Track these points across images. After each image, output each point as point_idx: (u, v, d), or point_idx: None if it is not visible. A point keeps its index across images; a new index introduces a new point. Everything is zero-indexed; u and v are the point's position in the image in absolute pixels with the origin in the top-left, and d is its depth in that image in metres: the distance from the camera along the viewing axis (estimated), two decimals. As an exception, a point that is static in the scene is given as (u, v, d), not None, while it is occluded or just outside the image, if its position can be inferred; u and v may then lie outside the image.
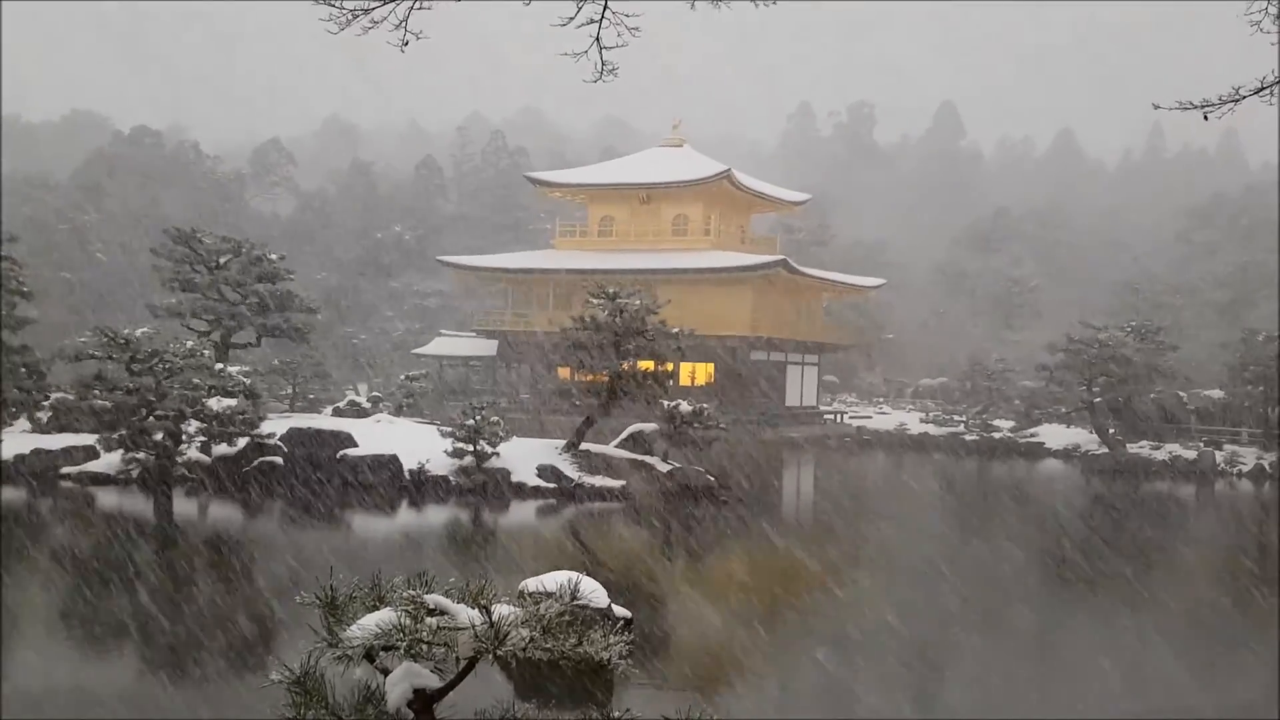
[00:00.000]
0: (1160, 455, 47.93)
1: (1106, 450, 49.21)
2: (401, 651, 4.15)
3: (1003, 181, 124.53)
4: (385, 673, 4.24)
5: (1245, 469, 46.13)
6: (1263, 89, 6.16)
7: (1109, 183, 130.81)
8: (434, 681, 4.23)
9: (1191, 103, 6.39)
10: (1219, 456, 47.15)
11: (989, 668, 16.12)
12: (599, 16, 5.98)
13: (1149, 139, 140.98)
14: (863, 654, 16.30)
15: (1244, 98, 6.24)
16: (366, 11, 5.84)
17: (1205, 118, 6.42)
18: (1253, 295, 74.80)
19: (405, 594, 4.22)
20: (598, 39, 6.09)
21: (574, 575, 5.17)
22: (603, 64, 6.22)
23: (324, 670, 4.20)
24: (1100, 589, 22.00)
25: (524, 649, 4.14)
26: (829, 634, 17.47)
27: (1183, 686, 15.13)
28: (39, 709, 12.91)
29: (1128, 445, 49.16)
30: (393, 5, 5.87)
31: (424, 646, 4.12)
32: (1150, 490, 41.58)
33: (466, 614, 4.17)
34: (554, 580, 4.60)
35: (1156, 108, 6.84)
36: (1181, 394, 53.14)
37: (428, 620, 4.13)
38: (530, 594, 4.45)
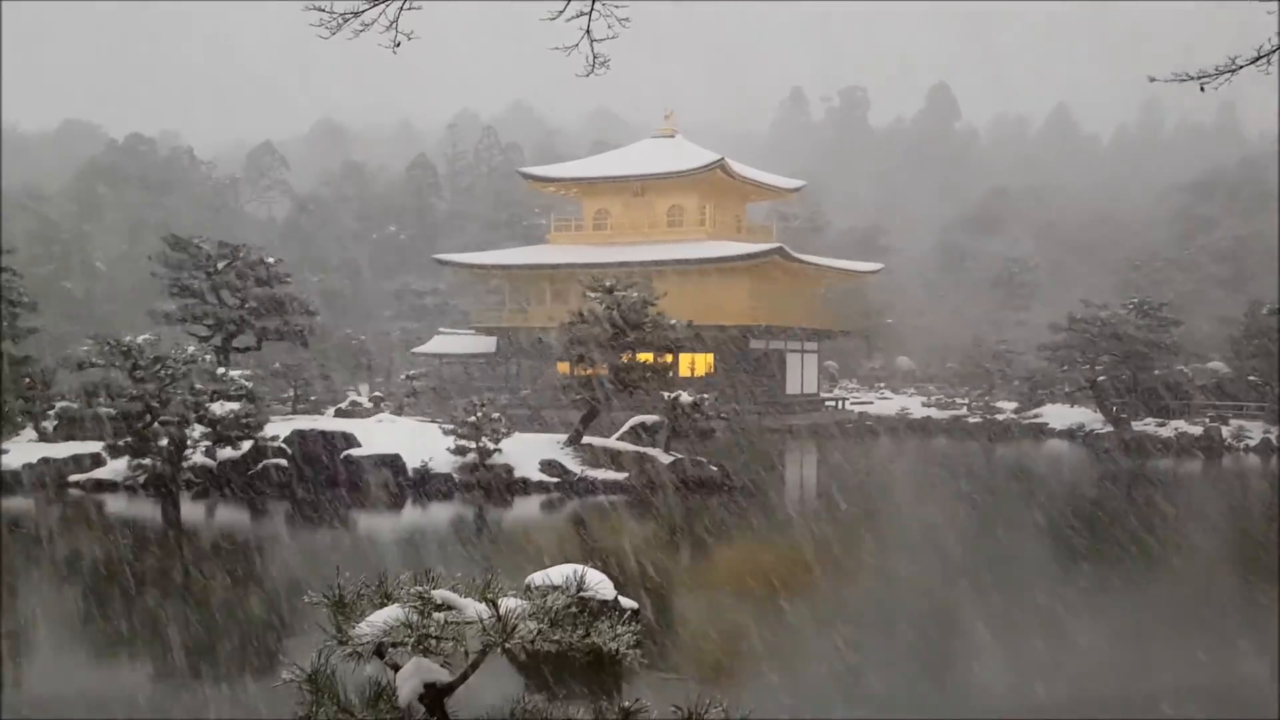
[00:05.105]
0: (1166, 432, 47.75)
1: (1111, 429, 49.14)
2: (410, 647, 4.15)
3: (998, 161, 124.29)
4: (396, 669, 4.25)
5: (1252, 443, 46.03)
6: (1259, 58, 6.10)
7: (1105, 159, 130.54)
8: (444, 676, 4.23)
9: (1188, 74, 6.33)
10: (1225, 431, 47.01)
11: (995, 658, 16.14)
12: (588, 10, 5.96)
13: (1144, 114, 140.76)
14: (872, 640, 16.30)
15: (1241, 67, 6.18)
16: (357, 14, 5.82)
17: (1202, 89, 6.37)
18: (1254, 268, 74.65)
19: (412, 590, 4.22)
20: (588, 32, 6.07)
21: (579, 568, 5.16)
22: (594, 56, 6.21)
23: (335, 668, 4.20)
24: (1127, 579, 21.96)
25: (532, 641, 4.14)
26: (835, 625, 17.47)
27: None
28: (48, 712, 12.94)
29: (1133, 423, 49.05)
30: (383, 6, 5.85)
31: (433, 641, 4.13)
32: (1160, 468, 41.43)
33: (474, 608, 4.17)
34: (560, 574, 4.59)
35: (1152, 80, 6.78)
36: (1185, 369, 53.00)
37: (435, 615, 4.14)
38: (537, 588, 4.45)
